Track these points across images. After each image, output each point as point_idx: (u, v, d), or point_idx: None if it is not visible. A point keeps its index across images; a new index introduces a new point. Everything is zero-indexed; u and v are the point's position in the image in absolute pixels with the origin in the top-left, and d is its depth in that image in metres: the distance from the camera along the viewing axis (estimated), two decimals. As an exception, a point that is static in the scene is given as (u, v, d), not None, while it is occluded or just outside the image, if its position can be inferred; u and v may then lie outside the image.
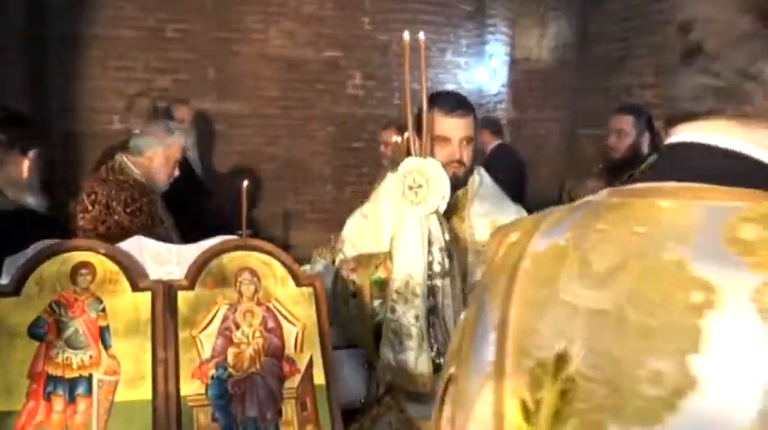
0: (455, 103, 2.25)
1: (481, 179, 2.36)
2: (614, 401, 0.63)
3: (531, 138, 6.39)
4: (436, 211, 2.02)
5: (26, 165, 2.35)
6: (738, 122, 0.69)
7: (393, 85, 6.56)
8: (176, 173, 3.31)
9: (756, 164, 0.69)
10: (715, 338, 0.59)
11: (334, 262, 2.47)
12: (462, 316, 0.85)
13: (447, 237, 2.03)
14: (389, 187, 2.17)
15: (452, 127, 2.20)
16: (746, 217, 0.63)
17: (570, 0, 6.09)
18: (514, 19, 6.60)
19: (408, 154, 2.17)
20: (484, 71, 6.80)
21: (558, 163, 6.20)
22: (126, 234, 2.21)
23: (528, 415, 0.70)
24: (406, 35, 2.10)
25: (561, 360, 0.67)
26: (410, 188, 2.05)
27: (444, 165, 2.07)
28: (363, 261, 2.20)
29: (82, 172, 4.34)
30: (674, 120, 0.75)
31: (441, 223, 2.04)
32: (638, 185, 0.73)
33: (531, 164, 5.73)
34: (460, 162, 2.20)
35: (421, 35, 2.20)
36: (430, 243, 2.00)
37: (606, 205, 0.73)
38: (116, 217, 3.04)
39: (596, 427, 0.63)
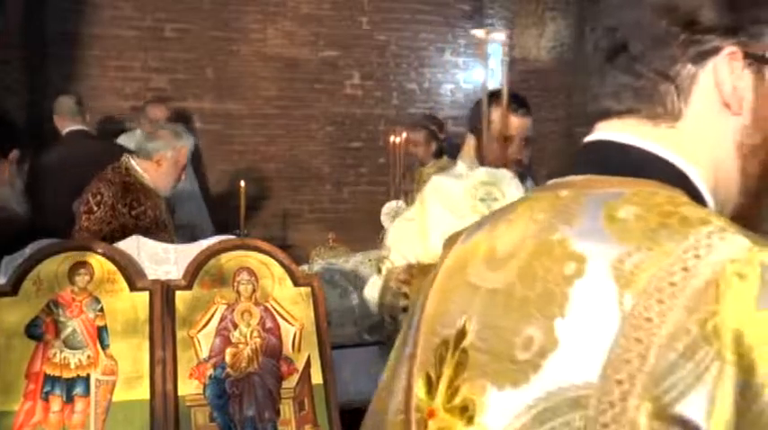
0: (518, 101, 2.15)
1: (533, 182, 2.31)
2: (494, 367, 0.68)
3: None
4: None
5: (6, 167, 2.33)
6: (650, 122, 0.73)
7: (391, 84, 6.56)
8: (184, 177, 3.30)
9: (657, 159, 0.72)
10: (576, 303, 0.63)
11: (379, 270, 2.31)
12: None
13: None
14: (449, 193, 2.08)
15: (515, 126, 2.13)
16: (627, 199, 0.67)
17: (568, 0, 6.09)
18: (512, 19, 6.59)
19: (480, 158, 2.07)
20: (482, 71, 6.78)
21: (557, 162, 6.20)
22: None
23: (430, 388, 0.75)
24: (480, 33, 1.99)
25: (459, 335, 0.73)
26: (482, 200, 1.94)
27: (504, 165, 1.99)
28: (416, 272, 2.08)
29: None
30: (593, 118, 0.79)
31: None
32: (552, 181, 0.78)
33: (530, 163, 5.72)
34: (520, 162, 2.13)
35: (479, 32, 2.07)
36: None
37: (521, 199, 0.80)
38: (121, 219, 3.03)
39: (480, 391, 0.69)
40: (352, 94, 6.46)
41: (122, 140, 4.67)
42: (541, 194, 0.77)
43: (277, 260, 1.99)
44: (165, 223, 3.22)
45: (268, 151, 6.23)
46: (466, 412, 0.70)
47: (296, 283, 1.97)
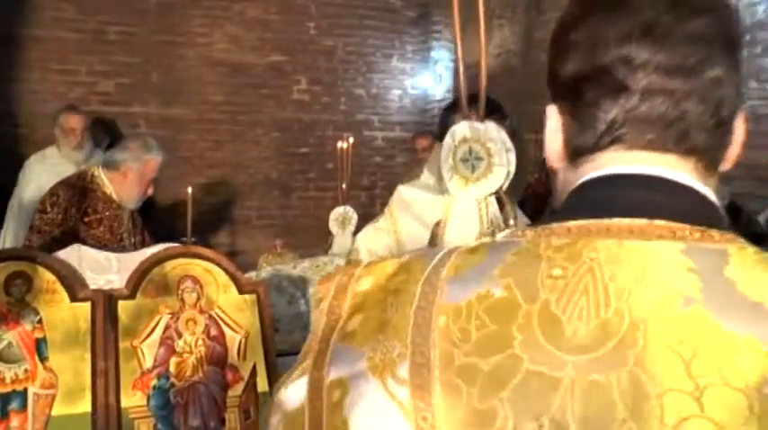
0: (492, 106, 2.04)
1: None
2: None
3: (477, 143, 6.46)
4: (498, 192, 1.64)
5: None
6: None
7: (339, 90, 6.58)
8: (150, 191, 3.25)
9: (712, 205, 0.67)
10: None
11: None
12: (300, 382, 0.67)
13: (514, 224, 1.64)
14: (415, 203, 2.01)
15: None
16: (742, 259, 0.58)
17: (514, 8, 6.19)
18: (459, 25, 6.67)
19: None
20: (429, 77, 6.86)
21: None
22: (81, 243, 2.17)
23: None
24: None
25: None
26: (464, 161, 1.66)
27: None
28: None
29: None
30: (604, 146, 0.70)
31: (506, 206, 1.66)
32: (593, 221, 0.63)
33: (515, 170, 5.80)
34: None
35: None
36: (492, 233, 1.52)
37: (554, 245, 0.61)
38: (71, 223, 2.99)
39: None
40: (299, 99, 6.45)
41: (35, 164, 4.29)
42: (610, 239, 0.60)
43: (221, 267, 1.97)
44: (123, 237, 3.16)
45: (215, 157, 6.17)
46: None
47: (241, 291, 1.96)
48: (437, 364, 0.57)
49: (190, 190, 3.60)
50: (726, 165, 0.71)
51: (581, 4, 0.72)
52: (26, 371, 1.69)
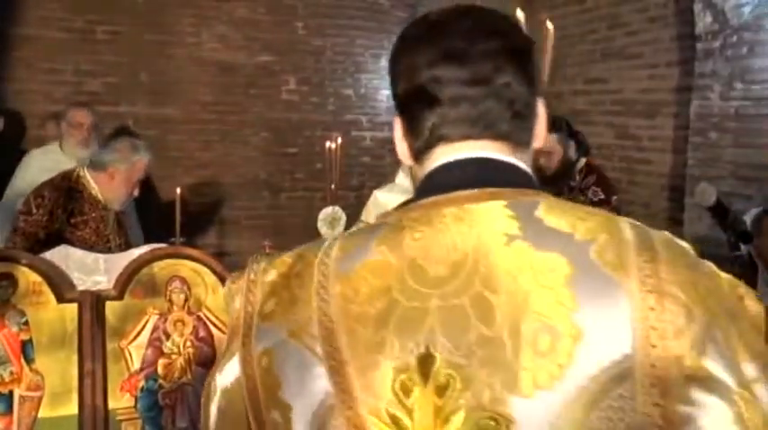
0: None
1: None
2: (502, 377, 0.73)
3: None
4: None
5: None
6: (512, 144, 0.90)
7: (327, 90, 6.57)
8: (136, 192, 3.23)
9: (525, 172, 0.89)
10: (583, 295, 0.75)
11: None
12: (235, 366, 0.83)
13: None
14: (387, 207, 2.04)
15: None
16: (549, 205, 0.82)
17: (502, 8, 6.20)
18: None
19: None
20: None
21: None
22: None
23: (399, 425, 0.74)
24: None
25: (425, 360, 0.73)
26: None
27: None
28: None
29: (6, 180, 4.18)
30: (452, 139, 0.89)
31: None
32: (449, 195, 0.84)
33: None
34: None
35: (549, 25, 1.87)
36: None
37: (412, 218, 0.83)
38: (57, 225, 2.96)
39: (498, 405, 0.73)
40: (288, 99, 6.44)
41: (36, 157, 4.16)
42: (452, 206, 0.82)
43: (210, 268, 1.97)
44: (109, 238, 3.14)
45: (204, 157, 6.15)
46: None
47: (229, 292, 1.96)
48: (338, 319, 0.77)
49: (179, 190, 3.58)
50: (537, 141, 0.92)
51: (401, 38, 0.93)
52: (12, 373, 1.68)
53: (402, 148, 0.93)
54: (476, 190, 0.82)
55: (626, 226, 0.79)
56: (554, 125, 3.72)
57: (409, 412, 0.73)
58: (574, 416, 0.69)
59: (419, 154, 0.90)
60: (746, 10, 3.53)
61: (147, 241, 3.06)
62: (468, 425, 0.71)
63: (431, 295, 0.75)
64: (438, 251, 0.77)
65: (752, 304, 0.78)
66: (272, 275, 0.84)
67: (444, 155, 0.87)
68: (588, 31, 5.22)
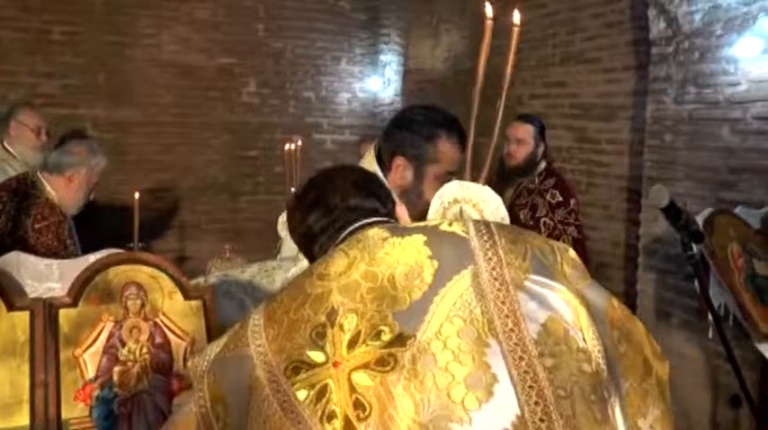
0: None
1: None
2: None
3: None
4: None
5: None
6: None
7: (288, 93, 6.55)
8: (92, 196, 3.17)
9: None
10: None
11: None
12: None
13: None
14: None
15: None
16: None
17: (463, 12, 6.25)
18: (407, 30, 6.72)
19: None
20: (378, 80, 6.89)
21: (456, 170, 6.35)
22: (32, 252, 2.12)
23: None
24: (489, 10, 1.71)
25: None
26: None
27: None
28: None
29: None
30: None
31: None
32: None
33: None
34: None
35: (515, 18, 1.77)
36: None
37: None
38: (21, 232, 2.89)
39: None
40: (248, 101, 6.41)
41: None
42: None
43: (167, 273, 1.95)
44: (67, 243, 3.08)
45: (163, 160, 6.08)
46: None
47: (186, 297, 1.94)
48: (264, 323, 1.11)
49: (137, 195, 3.53)
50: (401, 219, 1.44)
51: (292, 206, 1.43)
52: (-40, 384, 1.64)
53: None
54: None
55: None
56: (533, 120, 3.79)
57: (322, 348, 1.01)
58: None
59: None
60: (697, 17, 3.61)
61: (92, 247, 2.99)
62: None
63: (330, 287, 1.08)
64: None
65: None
66: (224, 340, 1.16)
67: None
68: (548, 36, 5.28)
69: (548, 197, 3.60)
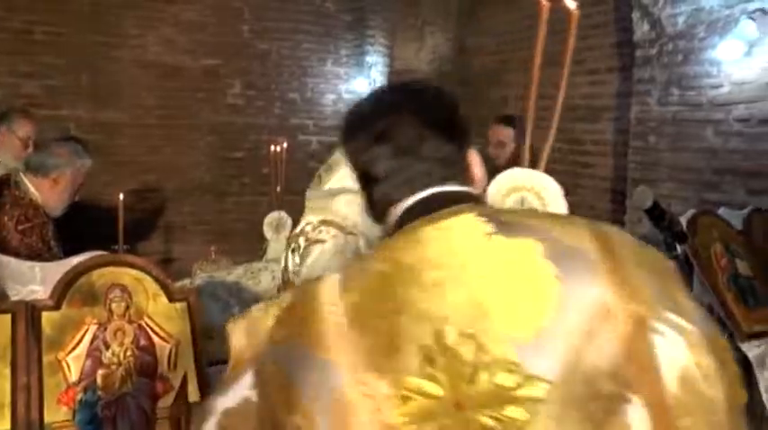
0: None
1: None
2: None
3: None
4: None
5: None
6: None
7: (273, 94, 6.54)
8: (77, 198, 3.15)
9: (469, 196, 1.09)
10: None
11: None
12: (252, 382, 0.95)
13: None
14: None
15: None
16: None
17: (447, 15, 6.27)
18: (393, 31, 6.73)
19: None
20: (363, 81, 6.90)
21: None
22: (15, 254, 2.10)
23: None
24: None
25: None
26: None
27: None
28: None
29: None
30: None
31: None
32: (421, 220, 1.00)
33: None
34: None
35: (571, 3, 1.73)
36: None
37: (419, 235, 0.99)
38: (4, 233, 2.86)
39: None
40: (233, 103, 6.39)
41: None
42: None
43: (151, 275, 1.94)
44: (51, 245, 3.05)
45: (149, 162, 6.05)
46: None
47: (171, 299, 1.93)
48: (351, 325, 0.90)
49: (122, 196, 3.51)
50: (476, 185, 1.13)
51: (344, 126, 1.17)
52: (-59, 388, 1.62)
53: (368, 213, 1.15)
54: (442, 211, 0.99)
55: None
56: (513, 121, 3.80)
57: (434, 378, 0.85)
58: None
59: (380, 216, 1.11)
60: (680, 19, 3.64)
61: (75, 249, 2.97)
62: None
63: (423, 298, 0.89)
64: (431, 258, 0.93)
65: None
66: (274, 310, 0.97)
67: (400, 208, 1.06)
68: (532, 37, 5.30)
69: (532, 198, 3.61)
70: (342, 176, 2.12)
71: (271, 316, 0.96)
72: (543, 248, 0.89)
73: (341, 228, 2.11)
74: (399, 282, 0.91)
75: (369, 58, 6.86)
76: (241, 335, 0.96)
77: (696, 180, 3.61)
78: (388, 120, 1.08)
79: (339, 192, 2.10)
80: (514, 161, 3.70)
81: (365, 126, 1.11)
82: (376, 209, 1.10)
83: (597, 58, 4.71)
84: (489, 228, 0.93)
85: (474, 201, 1.05)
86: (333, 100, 6.83)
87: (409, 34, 6.61)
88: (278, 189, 3.78)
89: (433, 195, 1.05)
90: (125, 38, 5.96)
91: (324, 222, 2.08)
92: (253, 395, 0.91)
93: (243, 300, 2.96)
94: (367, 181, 1.10)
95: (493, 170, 3.80)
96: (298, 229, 2.17)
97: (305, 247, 2.06)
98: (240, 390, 0.92)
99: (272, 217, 3.51)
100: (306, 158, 6.45)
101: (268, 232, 3.51)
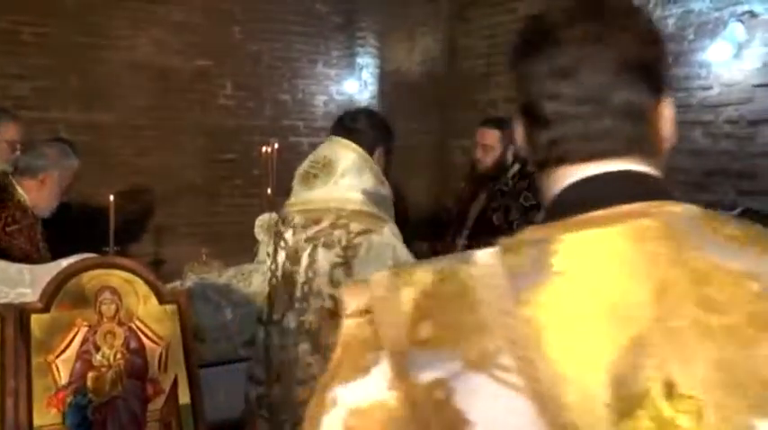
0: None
1: None
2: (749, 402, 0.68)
3: (403, 149, 6.47)
4: None
5: None
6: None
7: (264, 95, 6.53)
8: (65, 199, 3.13)
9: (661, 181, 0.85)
10: None
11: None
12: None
13: None
14: None
15: None
16: (711, 218, 0.77)
17: (438, 16, 6.28)
18: (383, 32, 6.73)
19: None
20: (354, 83, 6.90)
21: (430, 173, 6.36)
22: (4, 256, 2.09)
23: None
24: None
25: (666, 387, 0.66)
26: None
27: None
28: None
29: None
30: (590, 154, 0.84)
31: None
32: (583, 216, 0.77)
33: (404, 174, 5.84)
34: None
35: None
36: None
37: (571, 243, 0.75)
38: None
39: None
40: (224, 104, 6.37)
41: None
42: (612, 230, 0.74)
43: (141, 277, 1.93)
44: (40, 247, 3.03)
45: (139, 163, 6.01)
46: None
47: (161, 301, 1.93)
48: (536, 347, 0.67)
49: (112, 198, 3.50)
50: (666, 144, 0.86)
51: (518, 42, 0.88)
52: (-70, 391, 1.61)
53: (523, 151, 0.91)
54: (640, 203, 0.77)
55: None
56: (500, 124, 3.79)
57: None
58: None
59: (540, 167, 0.88)
60: (671, 21, 3.66)
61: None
62: None
63: (645, 318, 0.67)
64: (628, 272, 0.70)
65: None
66: (410, 294, 0.74)
67: (569, 176, 0.83)
68: (522, 39, 5.32)
69: (521, 200, 3.61)
70: (347, 170, 2.18)
71: (406, 297, 0.74)
72: None
73: (375, 216, 2.15)
74: (595, 302, 0.70)
75: (359, 60, 6.86)
76: (362, 306, 0.76)
77: (685, 181, 3.63)
78: (581, 52, 0.82)
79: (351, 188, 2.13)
80: (499, 164, 3.71)
81: (549, 49, 0.83)
82: (538, 153, 0.86)
83: (587, 60, 4.72)
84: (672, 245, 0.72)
85: (655, 193, 0.80)
86: (324, 101, 6.83)
87: (400, 36, 6.61)
88: (269, 190, 3.77)
89: (607, 176, 0.82)
90: (115, 39, 5.93)
91: (354, 213, 2.10)
92: (391, 399, 0.71)
93: (234, 301, 2.96)
94: (531, 118, 0.86)
95: (478, 175, 3.82)
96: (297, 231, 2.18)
97: (346, 244, 2.09)
98: (371, 388, 0.73)
99: (263, 218, 3.51)
100: (297, 160, 6.39)
101: (259, 234, 3.51)
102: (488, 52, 5.73)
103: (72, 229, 3.81)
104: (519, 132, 0.90)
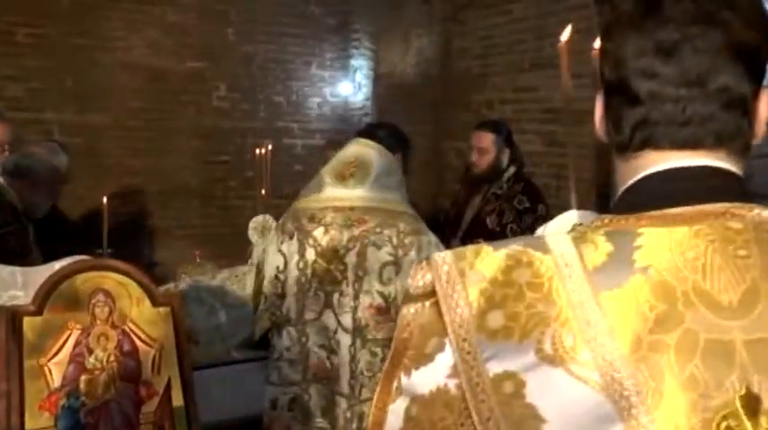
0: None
1: None
2: None
3: (398, 151, 6.49)
4: None
5: None
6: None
7: (258, 97, 6.52)
8: (57, 199, 3.12)
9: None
10: None
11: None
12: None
13: None
14: None
15: None
16: None
17: (432, 18, 6.28)
18: (378, 34, 6.73)
19: None
20: (348, 85, 6.90)
21: (424, 174, 6.37)
22: None
23: None
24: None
25: (749, 400, 0.63)
26: None
27: None
28: None
29: None
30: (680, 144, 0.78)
31: None
32: (664, 211, 0.73)
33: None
34: None
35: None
36: None
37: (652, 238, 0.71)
38: None
39: None
40: (218, 106, 6.37)
41: None
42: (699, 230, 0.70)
43: (135, 279, 1.93)
44: (31, 249, 3.02)
45: (133, 165, 6.01)
46: None
47: (155, 303, 1.92)
48: (622, 345, 0.65)
49: (105, 199, 3.49)
50: (756, 138, 0.80)
51: (615, 16, 0.80)
52: None
53: (601, 130, 0.86)
54: (725, 203, 0.73)
55: None
56: (496, 128, 3.80)
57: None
58: None
59: (619, 151, 0.82)
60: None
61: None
62: None
63: (732, 327, 0.65)
64: (723, 276, 0.67)
65: None
66: (478, 279, 0.71)
67: (651, 164, 0.79)
68: (516, 41, 5.33)
69: (515, 203, 3.61)
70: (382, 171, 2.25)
71: (473, 285, 0.71)
72: None
73: (416, 217, 2.28)
74: (680, 302, 0.67)
75: (354, 62, 6.86)
76: (427, 289, 0.73)
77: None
78: (687, 30, 0.75)
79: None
80: (494, 167, 3.72)
81: (651, 24, 0.77)
82: (620, 134, 0.80)
83: (580, 63, 4.73)
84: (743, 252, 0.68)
85: (740, 195, 0.75)
86: (318, 103, 6.83)
87: (394, 37, 6.61)
88: (263, 192, 3.77)
89: (694, 171, 0.77)
90: (109, 40, 5.92)
91: (399, 214, 2.22)
92: (453, 388, 0.69)
93: (228, 304, 2.95)
94: (620, 95, 0.79)
95: (473, 178, 3.82)
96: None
97: (397, 243, 2.14)
98: (433, 376, 0.71)
99: (257, 220, 3.51)
100: (291, 162, 6.43)
101: (253, 236, 3.50)
102: (483, 54, 5.74)
103: (65, 231, 3.81)
104: (598, 109, 0.85)
